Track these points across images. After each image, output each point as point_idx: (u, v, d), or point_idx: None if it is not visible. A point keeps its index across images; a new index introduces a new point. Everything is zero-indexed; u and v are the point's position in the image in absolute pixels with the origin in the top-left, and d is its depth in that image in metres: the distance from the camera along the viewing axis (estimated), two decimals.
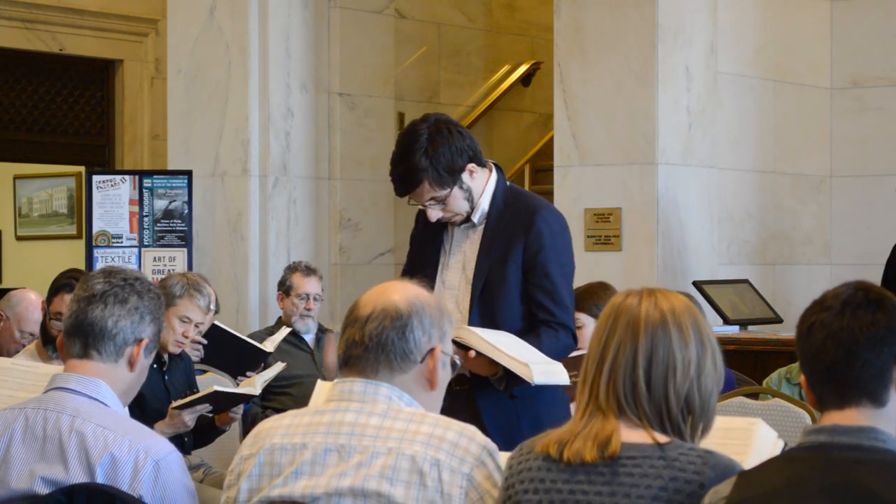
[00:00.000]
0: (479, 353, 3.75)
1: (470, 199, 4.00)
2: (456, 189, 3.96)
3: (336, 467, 2.65)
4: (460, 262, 4.05)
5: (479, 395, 3.92)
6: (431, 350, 2.76)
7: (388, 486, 2.60)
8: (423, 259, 4.12)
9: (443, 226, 4.10)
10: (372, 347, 2.72)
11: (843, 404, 2.33)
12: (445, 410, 3.75)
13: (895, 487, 2.22)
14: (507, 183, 4.12)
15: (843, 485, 2.24)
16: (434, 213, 4.00)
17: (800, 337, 2.37)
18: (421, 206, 4.03)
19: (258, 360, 5.96)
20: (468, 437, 2.66)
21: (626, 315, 2.56)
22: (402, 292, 2.77)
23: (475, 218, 4.04)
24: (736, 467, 2.45)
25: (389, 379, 2.73)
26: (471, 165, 3.97)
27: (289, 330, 6.40)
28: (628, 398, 2.51)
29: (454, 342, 3.69)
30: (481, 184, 4.03)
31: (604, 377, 2.54)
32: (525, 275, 3.96)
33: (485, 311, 3.96)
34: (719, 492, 2.35)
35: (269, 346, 6.01)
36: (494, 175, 4.07)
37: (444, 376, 2.82)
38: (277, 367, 5.42)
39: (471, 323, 3.95)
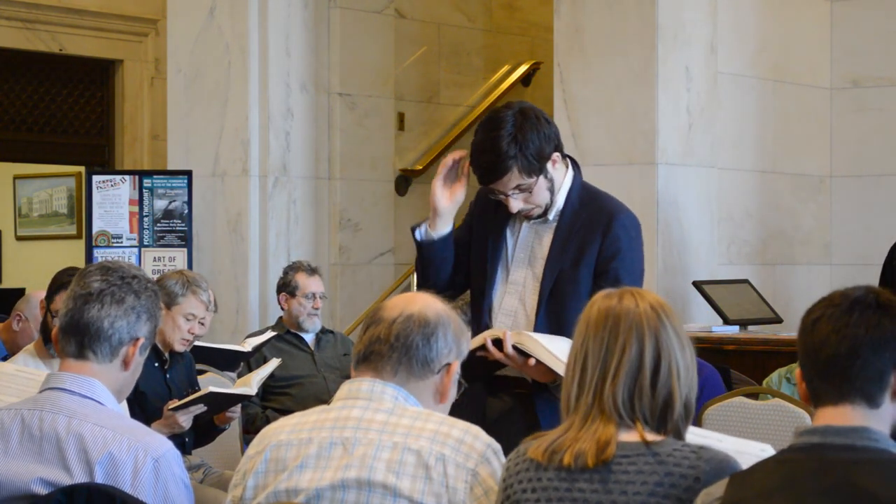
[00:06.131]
0: (538, 362, 3.67)
1: (552, 191, 3.87)
2: (541, 178, 3.83)
3: (341, 459, 2.69)
4: (527, 258, 3.94)
5: (538, 399, 3.85)
6: (448, 365, 2.81)
7: (394, 479, 2.64)
8: (479, 247, 3.99)
9: (506, 217, 3.97)
10: (397, 347, 2.77)
11: (839, 400, 2.33)
12: (505, 414, 3.70)
13: (890, 486, 2.22)
14: (582, 180, 4.01)
15: (837, 485, 2.24)
16: (516, 204, 3.85)
17: (803, 330, 2.38)
18: (500, 198, 3.86)
19: (238, 361, 6.11)
20: (473, 434, 2.71)
21: (626, 318, 2.57)
22: (431, 304, 2.83)
23: (550, 214, 3.92)
24: (731, 461, 2.47)
25: (405, 382, 2.77)
26: (555, 155, 3.85)
27: (273, 333, 6.38)
28: (630, 401, 2.53)
29: (515, 348, 3.68)
30: (560, 177, 3.91)
31: (608, 381, 2.54)
32: (596, 278, 3.84)
33: (552, 312, 3.86)
34: (712, 493, 2.36)
35: (247, 346, 6.09)
36: (571, 171, 3.95)
37: (453, 394, 2.87)
38: (272, 364, 5.43)
39: (538, 322, 3.87)
